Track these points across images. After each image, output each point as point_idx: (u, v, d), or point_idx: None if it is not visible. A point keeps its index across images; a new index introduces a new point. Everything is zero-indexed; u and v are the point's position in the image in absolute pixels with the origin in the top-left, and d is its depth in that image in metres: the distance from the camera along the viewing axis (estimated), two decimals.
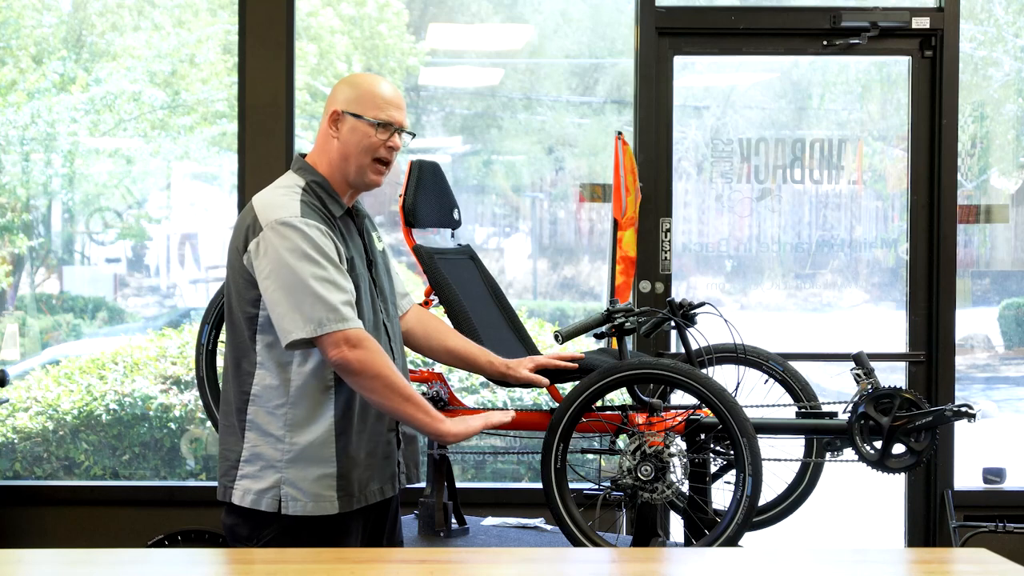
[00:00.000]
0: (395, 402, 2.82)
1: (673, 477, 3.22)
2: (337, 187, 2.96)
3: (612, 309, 3.41)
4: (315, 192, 2.92)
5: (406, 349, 3.22)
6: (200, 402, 4.80)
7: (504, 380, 3.29)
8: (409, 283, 5.16)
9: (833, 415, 3.47)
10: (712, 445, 3.47)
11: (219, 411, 3.05)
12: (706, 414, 3.38)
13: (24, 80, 5.48)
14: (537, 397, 5.18)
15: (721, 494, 3.42)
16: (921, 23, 5.03)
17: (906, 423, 3.30)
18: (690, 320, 3.55)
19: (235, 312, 2.89)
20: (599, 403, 3.38)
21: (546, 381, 3.31)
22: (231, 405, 2.92)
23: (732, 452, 3.21)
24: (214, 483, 3.01)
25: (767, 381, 3.69)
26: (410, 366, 5.03)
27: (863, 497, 5.28)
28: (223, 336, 3.41)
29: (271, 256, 2.80)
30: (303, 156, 3.01)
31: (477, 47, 5.67)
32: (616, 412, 3.44)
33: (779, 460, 3.51)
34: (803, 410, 3.57)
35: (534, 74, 5.72)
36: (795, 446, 3.64)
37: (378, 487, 2.98)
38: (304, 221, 2.81)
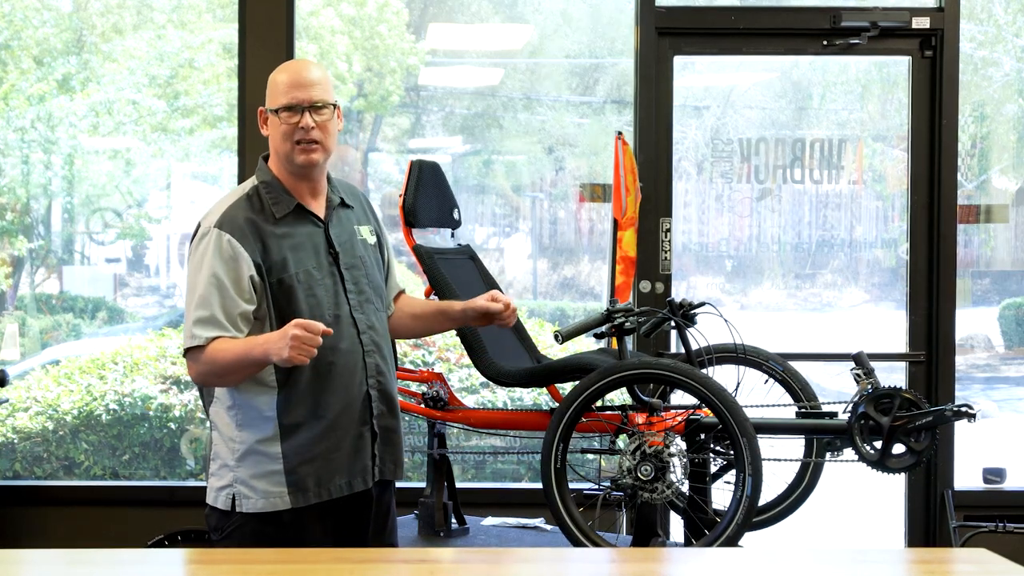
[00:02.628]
0: (235, 374, 2.87)
1: (673, 477, 3.22)
2: (289, 183, 3.00)
3: (612, 309, 3.41)
4: (259, 194, 2.98)
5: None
6: (200, 402, 4.80)
7: (466, 316, 3.17)
8: (409, 283, 5.16)
9: (833, 415, 3.47)
10: (712, 445, 3.47)
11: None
12: (706, 414, 3.38)
13: (25, 81, 5.48)
14: (537, 397, 5.18)
15: (721, 494, 3.42)
16: (921, 23, 5.03)
17: (906, 423, 3.30)
18: (690, 320, 3.55)
19: None
20: (599, 403, 3.38)
21: (497, 307, 3.10)
22: (205, 407, 3.04)
23: (732, 452, 3.21)
24: None
25: (767, 381, 3.69)
26: (410, 366, 5.04)
27: (863, 497, 5.28)
28: None
29: (187, 265, 2.98)
30: (266, 158, 3.07)
31: (477, 47, 5.67)
32: (616, 412, 3.44)
33: (779, 460, 3.51)
34: (803, 410, 3.57)
35: (534, 74, 5.72)
36: (795, 446, 3.64)
37: (345, 481, 2.96)
38: (215, 232, 2.90)
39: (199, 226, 2.97)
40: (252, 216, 2.93)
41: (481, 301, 3.10)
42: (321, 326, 2.77)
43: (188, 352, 2.89)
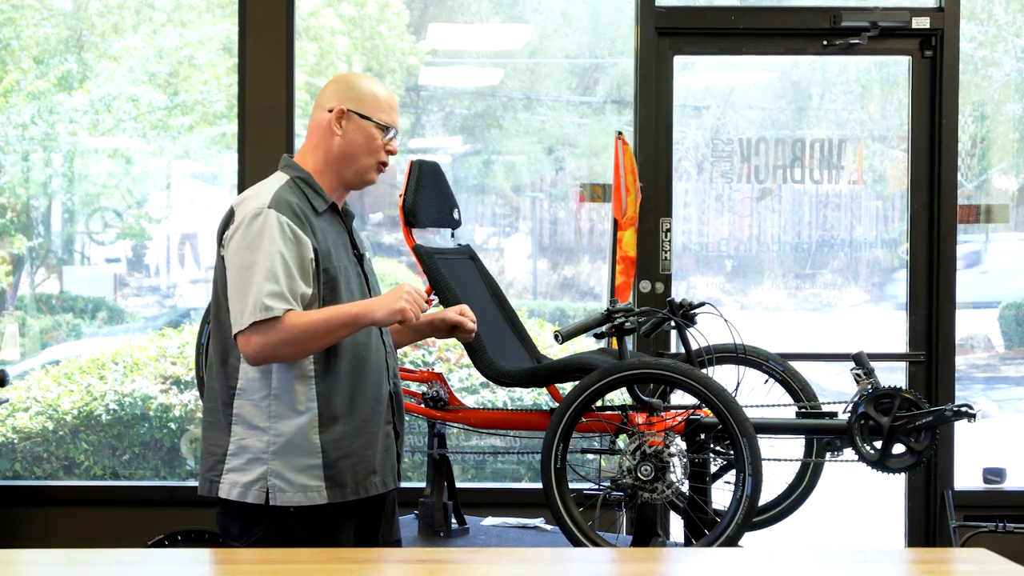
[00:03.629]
0: (321, 338, 2.85)
1: (673, 477, 3.22)
2: (326, 183, 3.01)
3: (612, 309, 3.41)
4: (298, 187, 2.97)
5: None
6: (200, 402, 4.80)
7: (433, 328, 3.21)
8: (410, 283, 5.15)
9: (833, 415, 3.47)
10: (712, 445, 3.47)
11: (204, 407, 3.06)
12: (706, 414, 3.38)
13: (25, 80, 5.48)
14: (537, 397, 5.18)
15: (721, 494, 3.42)
16: (921, 23, 5.03)
17: (906, 423, 3.30)
18: (690, 320, 3.55)
19: (220, 308, 2.94)
20: (599, 403, 3.38)
21: (468, 324, 3.16)
22: (217, 400, 2.96)
23: (732, 452, 3.21)
24: None
25: (767, 381, 3.69)
26: (410, 366, 5.04)
27: (863, 497, 5.28)
28: None
29: (233, 247, 2.89)
30: (290, 156, 3.08)
31: (477, 47, 5.67)
32: (616, 412, 3.44)
33: (779, 460, 3.51)
34: (803, 410, 3.57)
35: (534, 74, 5.72)
36: (795, 446, 3.64)
37: (380, 479, 2.99)
38: (272, 213, 2.86)
39: (235, 210, 2.92)
40: (300, 203, 2.93)
41: (452, 315, 3.13)
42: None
43: (253, 326, 2.81)
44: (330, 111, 3.00)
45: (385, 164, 3.04)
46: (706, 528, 3.36)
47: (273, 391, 2.89)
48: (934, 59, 5.06)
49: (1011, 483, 5.14)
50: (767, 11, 5.19)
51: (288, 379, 2.88)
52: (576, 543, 3.19)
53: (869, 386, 3.37)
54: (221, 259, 2.93)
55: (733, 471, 3.24)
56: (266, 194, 2.90)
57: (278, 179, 2.98)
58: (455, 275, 3.66)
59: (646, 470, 3.20)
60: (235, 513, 2.91)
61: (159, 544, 4.78)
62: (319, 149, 3.01)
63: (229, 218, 2.93)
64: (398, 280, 5.52)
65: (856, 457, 3.37)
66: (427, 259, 3.61)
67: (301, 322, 2.81)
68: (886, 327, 5.31)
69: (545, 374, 3.55)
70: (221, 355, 2.94)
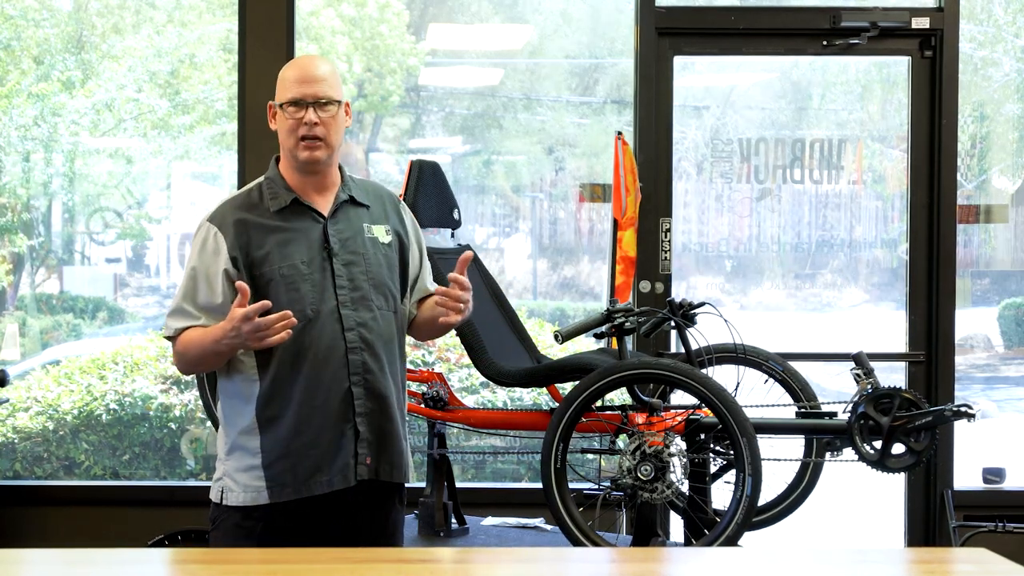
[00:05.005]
0: (202, 362, 2.96)
1: (673, 477, 3.22)
2: (294, 179, 3.01)
3: (612, 309, 3.41)
4: (260, 189, 3.01)
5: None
6: (200, 402, 4.81)
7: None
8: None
9: (833, 415, 3.48)
10: (712, 445, 3.47)
11: None
12: (706, 414, 3.38)
13: (25, 80, 5.48)
14: (537, 397, 5.18)
15: (721, 494, 3.42)
16: (921, 23, 5.03)
17: (906, 423, 3.30)
18: (690, 320, 3.56)
19: None
20: (599, 403, 3.38)
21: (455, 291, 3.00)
22: (213, 404, 3.13)
23: (732, 452, 3.21)
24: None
25: (767, 381, 3.69)
26: (410, 366, 5.04)
27: (863, 497, 5.28)
28: None
29: None
30: (277, 159, 3.09)
31: (477, 47, 5.67)
32: (616, 412, 3.44)
33: (779, 460, 3.51)
34: (803, 410, 3.58)
35: (534, 74, 5.72)
36: (795, 446, 3.64)
37: (326, 479, 2.93)
38: (206, 226, 2.96)
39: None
40: (244, 211, 2.97)
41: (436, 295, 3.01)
42: (262, 304, 2.81)
43: (171, 341, 2.99)
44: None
45: (309, 138, 2.94)
46: (706, 528, 3.36)
47: (227, 393, 2.98)
48: (934, 59, 5.06)
49: (1011, 483, 5.14)
50: (767, 11, 5.19)
51: (236, 382, 2.96)
52: (576, 543, 3.19)
53: (869, 386, 3.37)
54: None
55: (733, 471, 3.24)
56: (215, 206, 3.00)
57: (253, 183, 3.06)
58: None
59: (646, 470, 3.20)
60: (210, 507, 3.03)
61: (159, 544, 4.78)
62: (281, 147, 3.06)
63: None
64: None
65: (856, 457, 3.37)
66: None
67: (187, 347, 2.93)
68: (886, 327, 5.31)
69: (545, 374, 3.55)
70: None
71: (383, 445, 2.99)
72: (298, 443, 2.92)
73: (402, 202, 3.19)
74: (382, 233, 3.06)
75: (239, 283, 2.81)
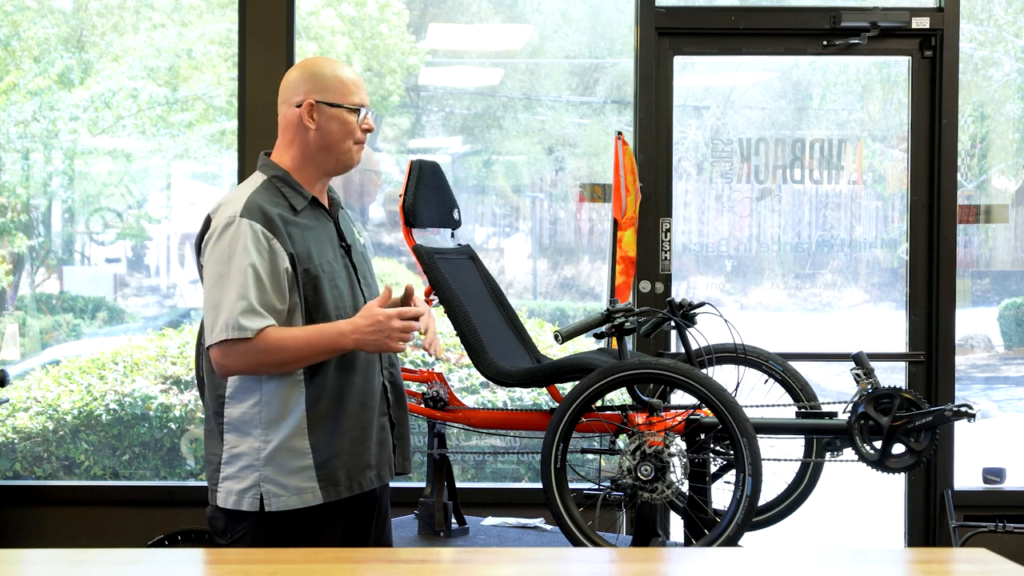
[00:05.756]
0: (300, 361, 2.85)
1: (673, 477, 3.22)
2: (304, 178, 2.99)
3: (612, 309, 3.41)
4: (275, 187, 2.95)
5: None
6: (200, 402, 4.80)
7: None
8: (412, 283, 5.15)
9: (833, 415, 3.47)
10: (712, 445, 3.47)
11: (205, 415, 3.07)
12: (706, 414, 3.38)
13: (25, 80, 5.48)
14: (537, 397, 5.18)
15: (721, 494, 3.42)
16: (921, 23, 5.03)
17: (906, 423, 3.30)
18: (690, 320, 3.55)
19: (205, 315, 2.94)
20: (599, 403, 3.38)
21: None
22: (209, 409, 2.98)
23: (732, 452, 3.21)
24: None
25: (767, 381, 3.69)
26: (409, 366, 5.04)
27: (863, 497, 5.28)
28: None
29: (207, 257, 2.88)
30: (267, 155, 3.05)
31: (477, 47, 5.67)
32: (616, 412, 3.44)
33: (779, 460, 3.51)
34: (803, 410, 3.57)
35: (534, 74, 5.72)
36: (795, 446, 3.64)
37: (375, 473, 2.99)
38: (244, 222, 2.84)
39: (211, 218, 2.91)
40: (274, 206, 2.90)
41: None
42: (415, 308, 2.87)
43: (228, 344, 2.82)
44: (298, 105, 2.97)
45: (362, 142, 3.03)
46: (706, 528, 3.36)
47: (264, 397, 2.89)
48: (934, 59, 5.06)
49: (1011, 483, 5.14)
50: (767, 11, 5.19)
51: (278, 385, 2.89)
52: (576, 543, 3.19)
53: (869, 386, 3.37)
54: (200, 268, 2.95)
55: (733, 471, 3.24)
56: (239, 201, 2.88)
57: (255, 180, 2.97)
58: (455, 275, 3.66)
59: (646, 470, 3.20)
60: (221, 517, 2.94)
61: (159, 544, 4.79)
62: (294, 145, 2.99)
63: (206, 226, 2.92)
64: (398, 280, 5.52)
65: (856, 457, 3.37)
66: (427, 259, 3.61)
67: (278, 344, 2.81)
68: (886, 327, 5.31)
69: (545, 374, 3.55)
70: (208, 364, 2.94)
71: (402, 437, 3.09)
72: (349, 439, 2.93)
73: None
74: (359, 234, 3.19)
75: (386, 285, 2.81)
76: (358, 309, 2.94)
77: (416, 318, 2.87)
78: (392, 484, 3.18)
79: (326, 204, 3.05)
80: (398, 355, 3.16)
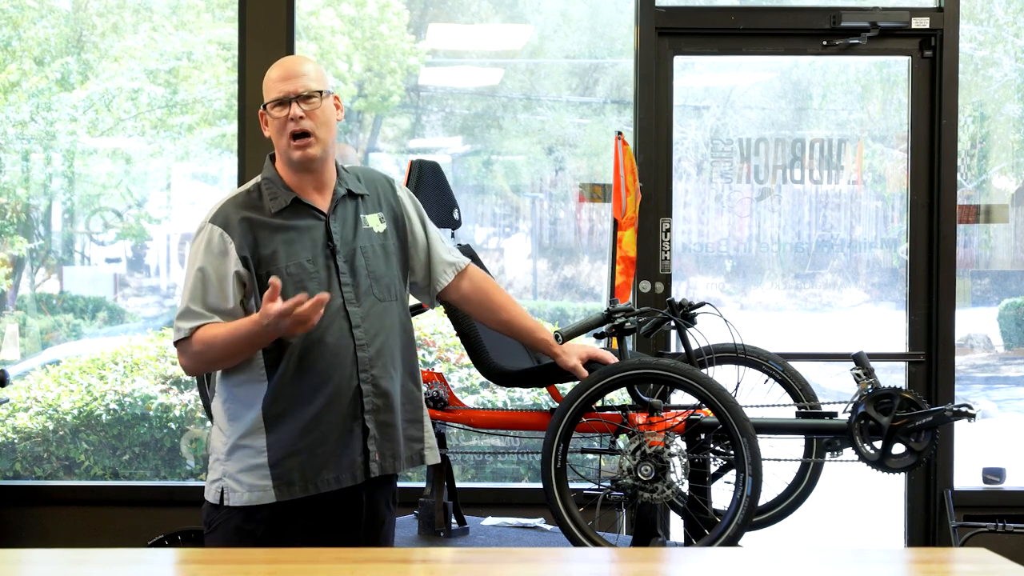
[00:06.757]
0: (229, 357, 2.92)
1: (673, 477, 3.22)
2: (292, 178, 3.01)
3: (612, 309, 3.41)
4: (260, 189, 3.01)
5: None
6: (200, 402, 4.81)
7: (553, 361, 3.29)
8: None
9: (833, 415, 3.47)
10: (712, 445, 3.47)
11: None
12: (706, 414, 3.38)
13: (25, 80, 5.48)
14: (537, 397, 5.18)
15: (721, 494, 3.42)
16: (921, 23, 5.03)
17: (906, 423, 3.30)
18: (690, 320, 3.55)
19: None
20: (599, 403, 3.38)
21: (586, 374, 3.26)
22: (207, 404, 3.11)
23: (732, 452, 3.21)
24: None
25: (767, 381, 3.69)
26: None
27: (863, 497, 5.28)
28: None
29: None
30: (272, 158, 3.09)
31: (477, 47, 5.67)
32: (616, 412, 3.44)
33: (779, 460, 3.51)
34: (803, 410, 3.57)
35: (534, 74, 5.72)
36: (795, 446, 3.64)
37: (333, 476, 2.94)
38: (209, 227, 2.95)
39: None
40: (247, 210, 2.96)
41: (575, 360, 3.25)
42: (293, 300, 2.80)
43: (177, 344, 2.96)
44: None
45: (299, 135, 2.95)
46: (706, 528, 3.36)
47: (230, 394, 2.97)
48: (934, 59, 5.06)
49: (1011, 483, 5.14)
50: (767, 11, 5.19)
51: (241, 381, 2.95)
52: (576, 543, 3.19)
53: (869, 386, 3.37)
54: None
55: (733, 471, 3.24)
56: (215, 207, 2.99)
57: (250, 182, 3.06)
58: None
59: (646, 470, 3.20)
60: (205, 508, 3.02)
61: (159, 544, 4.78)
62: (276, 149, 3.06)
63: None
64: None
65: (856, 457, 3.37)
66: None
67: (209, 340, 2.90)
68: (886, 327, 5.31)
69: (545, 374, 3.55)
70: None
71: (388, 439, 3.01)
72: (306, 441, 2.92)
73: (397, 181, 3.19)
74: (376, 222, 3.06)
75: (272, 279, 2.78)
76: (329, 312, 2.91)
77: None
78: None
79: (322, 204, 3.02)
80: (414, 360, 3.11)
